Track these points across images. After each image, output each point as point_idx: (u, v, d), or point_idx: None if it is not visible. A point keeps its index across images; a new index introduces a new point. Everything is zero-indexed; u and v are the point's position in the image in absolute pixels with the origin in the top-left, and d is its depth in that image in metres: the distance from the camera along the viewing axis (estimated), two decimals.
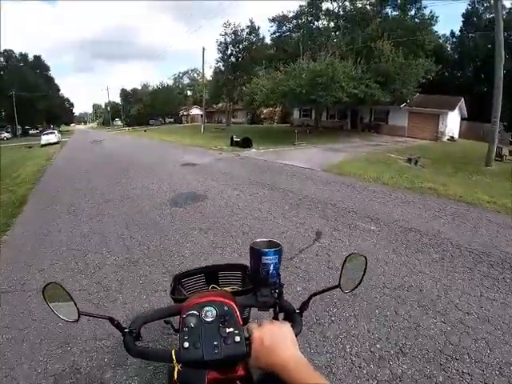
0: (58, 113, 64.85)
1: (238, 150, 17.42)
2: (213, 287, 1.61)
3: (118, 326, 1.02)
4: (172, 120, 69.42)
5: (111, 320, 1.01)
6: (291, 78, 21.98)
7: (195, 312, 0.96)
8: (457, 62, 36.84)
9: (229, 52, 39.87)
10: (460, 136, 28.13)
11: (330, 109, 30.86)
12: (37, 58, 64.57)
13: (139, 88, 79.25)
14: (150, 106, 64.94)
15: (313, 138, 22.40)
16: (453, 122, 27.34)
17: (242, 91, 31.87)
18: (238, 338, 0.92)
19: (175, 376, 0.93)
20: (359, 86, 21.86)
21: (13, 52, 60.51)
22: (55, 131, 36.81)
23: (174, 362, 0.89)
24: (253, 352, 0.88)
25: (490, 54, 33.77)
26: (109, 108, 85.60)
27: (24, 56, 62.29)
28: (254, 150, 17.63)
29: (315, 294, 1.15)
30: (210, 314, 0.96)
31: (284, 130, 31.42)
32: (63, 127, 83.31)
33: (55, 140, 32.77)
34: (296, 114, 38.44)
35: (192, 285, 1.69)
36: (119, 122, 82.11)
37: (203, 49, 35.88)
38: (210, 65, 55.37)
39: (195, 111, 63.63)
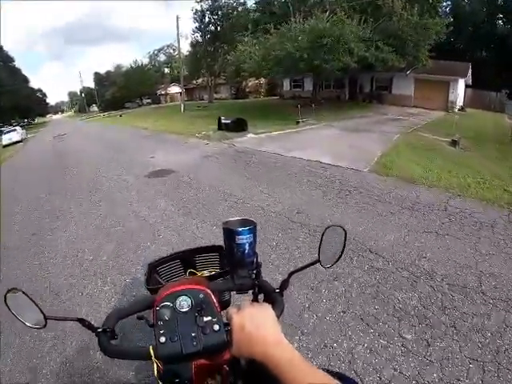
0: (28, 105, 58.51)
1: (230, 135, 13.32)
2: (190, 272, 1.58)
3: (89, 326, 0.95)
4: (149, 101, 64.14)
5: (81, 321, 0.95)
6: (287, 40, 17.74)
7: (169, 303, 0.90)
8: (451, 26, 33.37)
9: (206, 20, 35.40)
10: (464, 105, 25.13)
11: (325, 77, 26.71)
12: None
13: (113, 70, 73.75)
14: (125, 87, 59.42)
15: (316, 112, 17.91)
16: (460, 91, 24.47)
17: (226, 61, 27.70)
18: (216, 327, 0.86)
19: (155, 373, 0.86)
20: (368, 48, 17.90)
21: None
22: (17, 128, 31.36)
23: (153, 358, 0.83)
24: (234, 340, 0.81)
25: (486, 18, 32.48)
26: (83, 94, 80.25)
27: None
28: (251, 134, 13.47)
29: (294, 272, 1.08)
30: (184, 303, 0.90)
31: (276, 104, 27.45)
32: (39, 119, 77.32)
33: (18, 138, 28.35)
34: (286, 85, 34.16)
35: (168, 272, 1.62)
36: (95, 108, 77.02)
37: (177, 17, 31.17)
38: (186, 35, 50.43)
39: (174, 89, 58.47)
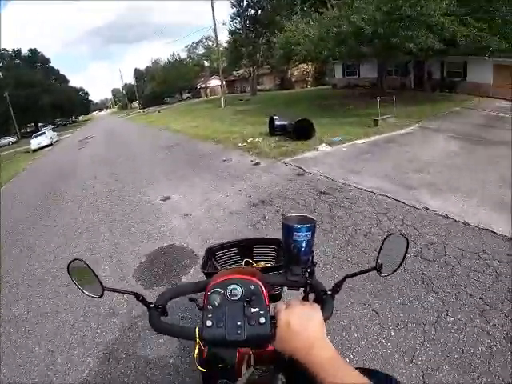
0: (68, 104, 59.07)
1: (290, 147, 9.11)
2: (246, 261, 1.59)
3: (143, 301, 0.99)
4: (189, 95, 62.60)
5: (136, 295, 0.98)
6: (353, 12, 13.68)
7: (220, 290, 0.90)
8: None
9: (245, 4, 32.18)
10: None
11: (390, 62, 22.05)
12: (32, 51, 59.63)
13: (151, 66, 73.76)
14: (164, 82, 58.81)
15: (392, 107, 12.49)
16: None
17: (273, 45, 24.15)
18: (262, 320, 0.85)
19: (196, 353, 0.89)
20: (453, 24, 13.22)
21: (6, 50, 56.70)
22: (46, 131, 30.16)
23: (197, 339, 0.85)
24: (277, 334, 0.82)
25: None
26: (124, 91, 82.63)
27: (17, 52, 57.85)
28: (324, 146, 8.98)
29: (349, 276, 1.03)
30: (235, 292, 0.90)
31: (331, 95, 23.31)
32: (82, 117, 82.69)
33: (47, 142, 27.18)
34: (338, 72, 29.41)
35: (225, 258, 1.63)
36: (136, 104, 76.72)
37: (211, 1, 27.54)
38: (223, 21, 47.88)
39: (214, 82, 55.47)
